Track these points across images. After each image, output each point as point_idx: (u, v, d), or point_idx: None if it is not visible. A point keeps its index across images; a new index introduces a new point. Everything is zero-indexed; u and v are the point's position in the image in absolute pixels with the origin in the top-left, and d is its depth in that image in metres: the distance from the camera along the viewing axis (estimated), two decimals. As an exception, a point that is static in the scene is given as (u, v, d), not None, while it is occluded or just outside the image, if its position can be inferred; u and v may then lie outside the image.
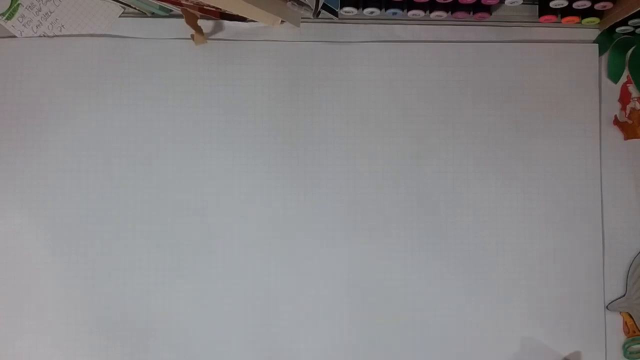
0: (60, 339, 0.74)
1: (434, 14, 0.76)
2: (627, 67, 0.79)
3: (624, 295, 0.77)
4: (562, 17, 0.76)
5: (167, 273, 0.75)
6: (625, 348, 0.77)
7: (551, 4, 0.74)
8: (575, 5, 0.74)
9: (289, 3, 0.72)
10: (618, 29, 0.77)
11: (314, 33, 0.78)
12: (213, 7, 0.72)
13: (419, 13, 0.75)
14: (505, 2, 0.74)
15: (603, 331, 0.76)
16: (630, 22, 0.75)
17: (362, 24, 0.78)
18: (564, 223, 0.77)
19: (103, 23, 0.77)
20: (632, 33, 0.78)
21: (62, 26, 0.76)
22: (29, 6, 0.76)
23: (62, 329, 0.74)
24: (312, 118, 0.77)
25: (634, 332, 0.77)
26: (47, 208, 0.75)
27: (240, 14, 0.73)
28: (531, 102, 0.78)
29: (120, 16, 0.77)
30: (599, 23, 0.77)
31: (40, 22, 0.76)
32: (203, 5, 0.72)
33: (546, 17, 0.76)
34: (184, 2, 0.72)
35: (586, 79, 0.78)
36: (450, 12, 0.76)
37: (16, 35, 0.76)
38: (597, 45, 0.79)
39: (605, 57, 0.79)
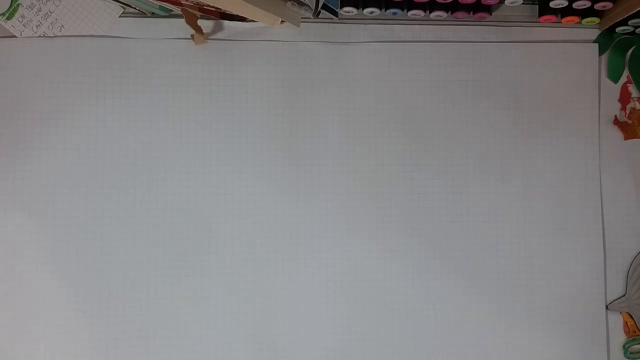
0: (61, 339, 0.74)
1: (434, 14, 0.76)
2: (627, 67, 0.79)
3: (624, 295, 0.77)
4: (562, 17, 0.76)
5: (167, 273, 0.75)
6: (625, 348, 0.77)
7: (551, 4, 0.74)
8: (575, 5, 0.74)
9: (289, 3, 0.72)
10: (618, 29, 0.77)
11: (314, 33, 0.78)
12: (213, 7, 0.72)
13: (419, 13, 0.76)
14: (505, 2, 0.74)
15: (604, 331, 0.76)
16: (630, 22, 0.75)
17: (362, 24, 0.78)
18: (564, 223, 0.77)
19: (103, 23, 0.77)
20: (632, 33, 0.78)
21: (62, 26, 0.76)
22: (29, 6, 0.76)
23: (63, 329, 0.74)
24: (312, 118, 0.77)
25: (634, 332, 0.77)
26: (47, 208, 0.75)
27: (240, 14, 0.73)
28: (531, 102, 0.78)
29: (120, 16, 0.77)
30: (599, 23, 0.78)
31: (40, 22, 0.76)
32: (203, 5, 0.72)
33: (546, 17, 0.76)
34: (184, 2, 0.72)
35: (586, 79, 0.78)
36: (450, 12, 0.76)
37: (16, 35, 0.76)
38: (597, 45, 0.79)
39: (605, 57, 0.79)
